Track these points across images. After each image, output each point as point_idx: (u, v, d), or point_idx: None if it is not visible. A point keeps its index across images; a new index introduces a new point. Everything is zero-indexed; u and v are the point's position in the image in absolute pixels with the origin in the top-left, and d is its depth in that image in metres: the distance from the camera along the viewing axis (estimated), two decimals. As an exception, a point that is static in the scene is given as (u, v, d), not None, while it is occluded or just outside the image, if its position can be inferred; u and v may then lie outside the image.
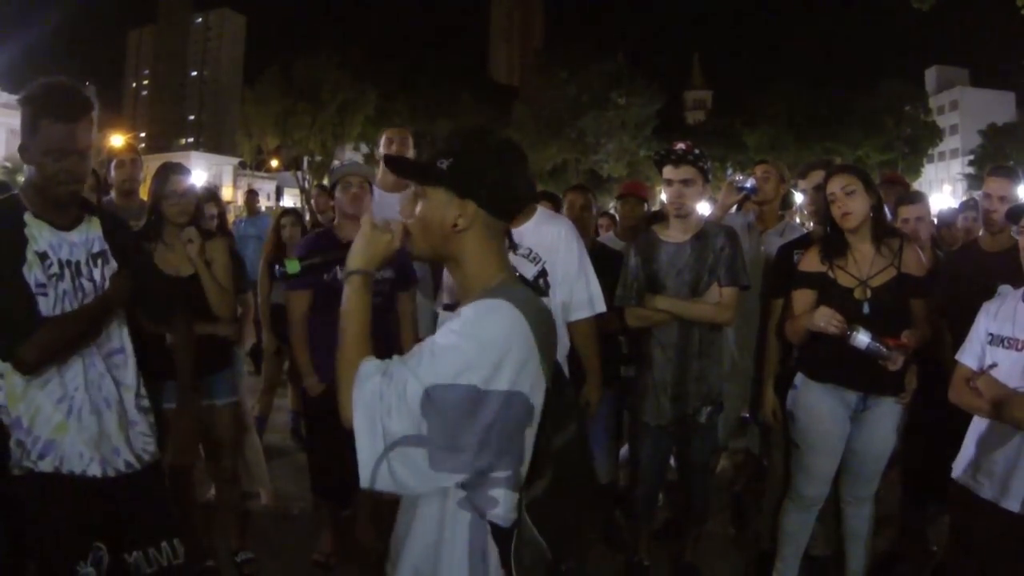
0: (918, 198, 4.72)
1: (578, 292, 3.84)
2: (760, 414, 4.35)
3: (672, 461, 4.41)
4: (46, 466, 2.66)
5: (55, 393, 2.67)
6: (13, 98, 50.17)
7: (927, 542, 4.63)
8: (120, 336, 2.91)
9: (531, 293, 1.90)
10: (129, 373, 2.92)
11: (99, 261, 2.84)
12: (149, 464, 2.92)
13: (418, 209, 1.89)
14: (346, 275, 1.90)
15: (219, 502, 4.60)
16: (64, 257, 2.72)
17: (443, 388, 1.67)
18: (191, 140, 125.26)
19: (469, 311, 1.77)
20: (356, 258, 1.90)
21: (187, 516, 3.82)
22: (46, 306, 2.65)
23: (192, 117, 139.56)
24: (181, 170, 4.15)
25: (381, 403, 1.68)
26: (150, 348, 3.17)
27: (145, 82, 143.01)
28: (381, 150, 5.27)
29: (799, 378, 3.90)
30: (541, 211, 4.00)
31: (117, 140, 19.31)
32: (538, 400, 1.79)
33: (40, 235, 2.69)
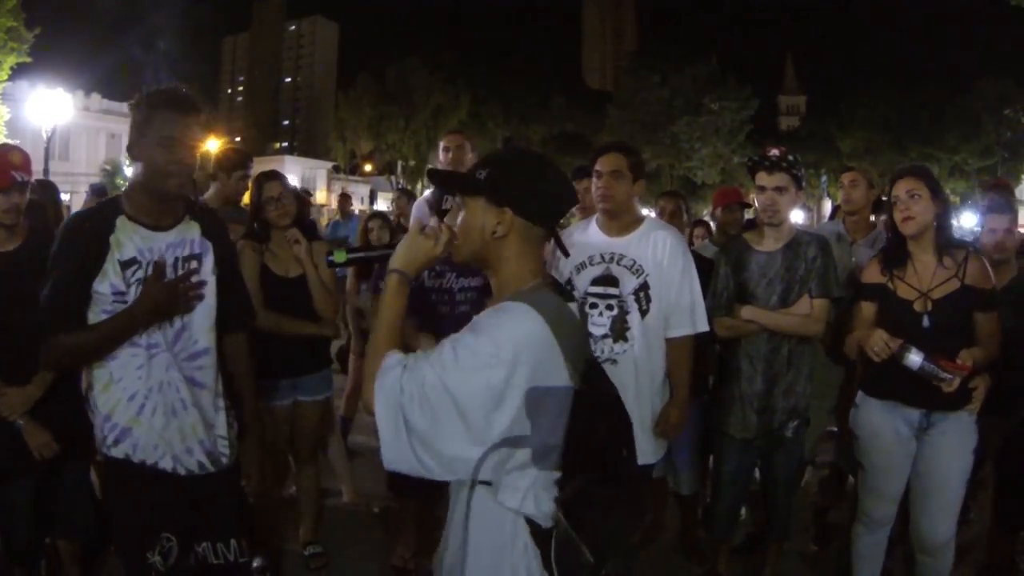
0: (1007, 208, 4.44)
1: (680, 308, 3.73)
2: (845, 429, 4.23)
3: (756, 474, 4.30)
4: (118, 452, 2.75)
5: (128, 390, 2.73)
6: (112, 104, 51.62)
7: (1018, 572, 4.35)
8: (208, 337, 2.90)
9: (559, 299, 1.97)
10: (211, 374, 2.91)
11: (187, 264, 2.85)
12: (226, 467, 2.93)
13: (460, 217, 2.01)
14: (387, 273, 2.00)
15: (297, 487, 4.75)
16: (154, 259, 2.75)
17: (459, 382, 1.76)
18: (285, 145, 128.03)
19: (489, 312, 1.88)
20: (397, 259, 2.02)
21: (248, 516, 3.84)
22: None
23: (286, 122, 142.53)
24: (273, 175, 4.32)
25: (402, 394, 1.77)
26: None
27: (240, 88, 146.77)
28: (440, 157, 5.02)
29: (859, 395, 3.78)
30: (650, 220, 3.94)
31: (213, 144, 19.84)
32: (562, 400, 1.85)
33: (128, 241, 2.72)
